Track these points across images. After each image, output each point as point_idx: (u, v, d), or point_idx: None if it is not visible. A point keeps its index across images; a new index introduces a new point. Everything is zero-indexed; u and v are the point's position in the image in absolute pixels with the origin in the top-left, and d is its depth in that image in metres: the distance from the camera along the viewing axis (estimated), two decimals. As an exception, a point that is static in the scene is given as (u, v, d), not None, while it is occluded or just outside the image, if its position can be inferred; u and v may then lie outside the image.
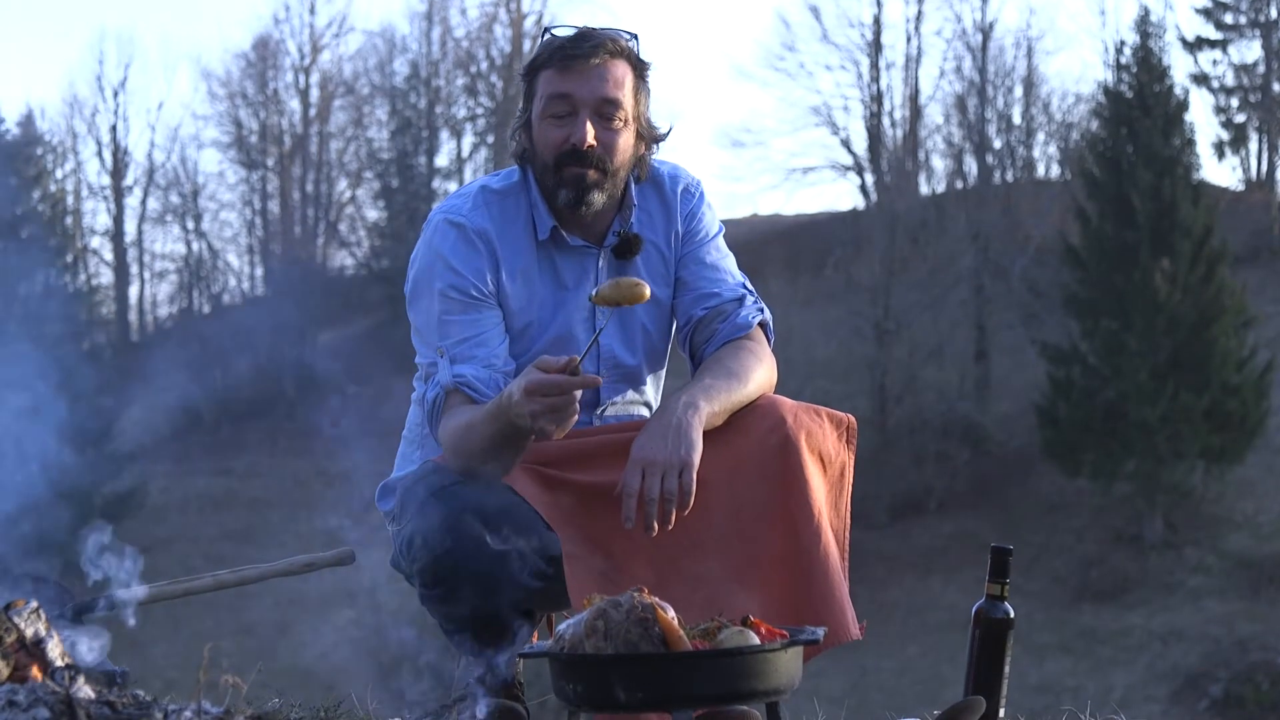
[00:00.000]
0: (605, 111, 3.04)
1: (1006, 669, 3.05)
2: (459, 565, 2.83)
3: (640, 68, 3.10)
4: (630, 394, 3.21)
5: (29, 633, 2.59)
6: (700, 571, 2.94)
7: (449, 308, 3.03)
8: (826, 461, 3.03)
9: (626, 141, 3.08)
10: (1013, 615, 3.06)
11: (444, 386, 3.00)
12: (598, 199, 3.07)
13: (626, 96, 3.06)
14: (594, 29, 3.09)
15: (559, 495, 2.96)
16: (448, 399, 3.00)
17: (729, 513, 2.96)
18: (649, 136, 3.15)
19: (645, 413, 3.25)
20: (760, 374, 3.08)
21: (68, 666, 2.54)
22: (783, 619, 2.86)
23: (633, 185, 3.16)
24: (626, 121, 3.07)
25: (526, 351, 3.09)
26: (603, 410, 3.18)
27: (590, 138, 3.03)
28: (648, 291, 2.80)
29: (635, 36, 3.11)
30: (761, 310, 3.23)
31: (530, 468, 2.99)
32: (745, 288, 3.25)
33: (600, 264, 3.15)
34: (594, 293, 2.83)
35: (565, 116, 3.04)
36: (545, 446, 2.98)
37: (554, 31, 3.09)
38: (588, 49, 3.02)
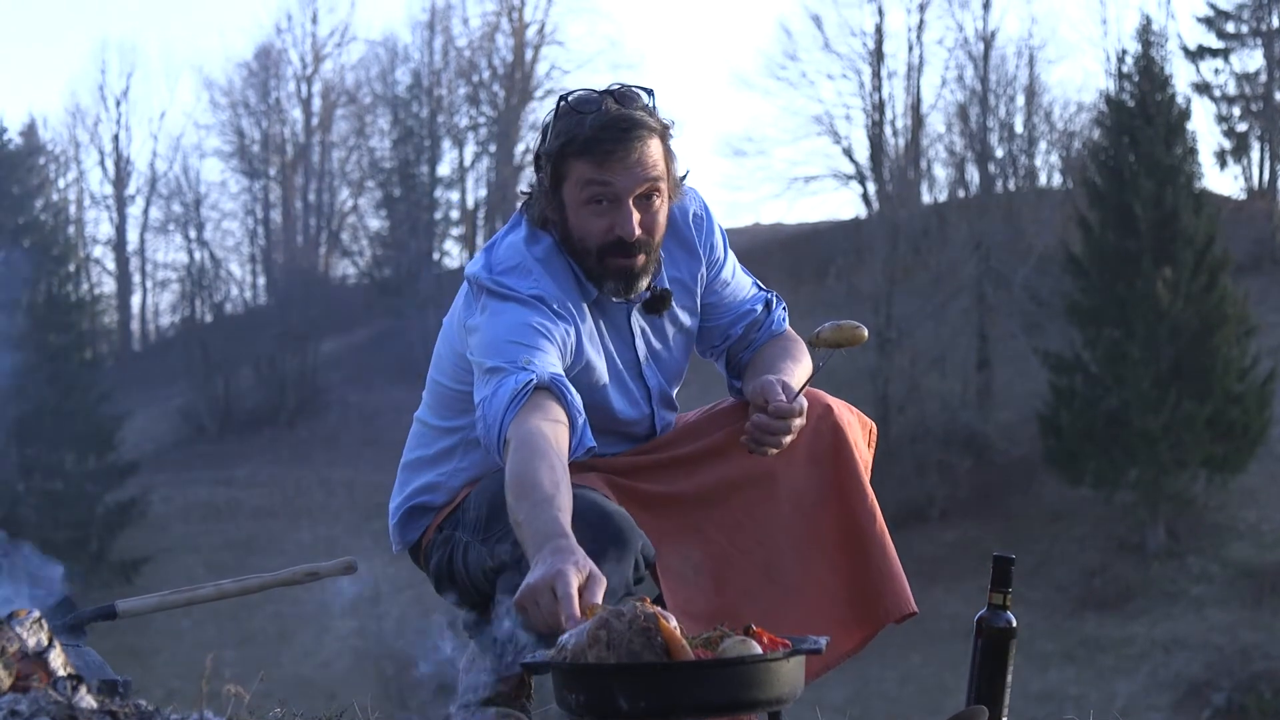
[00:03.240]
0: (646, 193, 2.99)
1: (1009, 678, 3.06)
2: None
3: (667, 134, 3.04)
4: (671, 416, 3.29)
5: (31, 642, 2.59)
6: (774, 561, 3.08)
7: (534, 339, 2.90)
8: (859, 454, 3.17)
9: (664, 213, 3.06)
10: (1015, 624, 3.06)
11: (539, 380, 2.81)
12: (644, 283, 3.07)
13: (662, 172, 3.01)
14: (616, 101, 2.98)
15: (639, 506, 3.03)
16: (535, 393, 2.81)
17: (792, 500, 3.10)
18: (676, 193, 3.11)
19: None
20: (806, 362, 3.24)
21: (70, 676, 2.54)
22: (848, 599, 3.08)
23: None
24: (663, 195, 3.03)
25: (599, 406, 3.07)
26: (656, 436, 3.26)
27: (637, 228, 2.98)
28: (865, 333, 3.06)
29: (652, 93, 3.05)
30: (784, 310, 3.35)
31: (608, 478, 3.06)
32: (759, 286, 3.35)
33: (633, 317, 3.15)
34: (815, 335, 3.06)
35: (605, 204, 2.97)
36: (614, 461, 3.10)
37: (572, 102, 2.98)
38: (626, 141, 2.94)
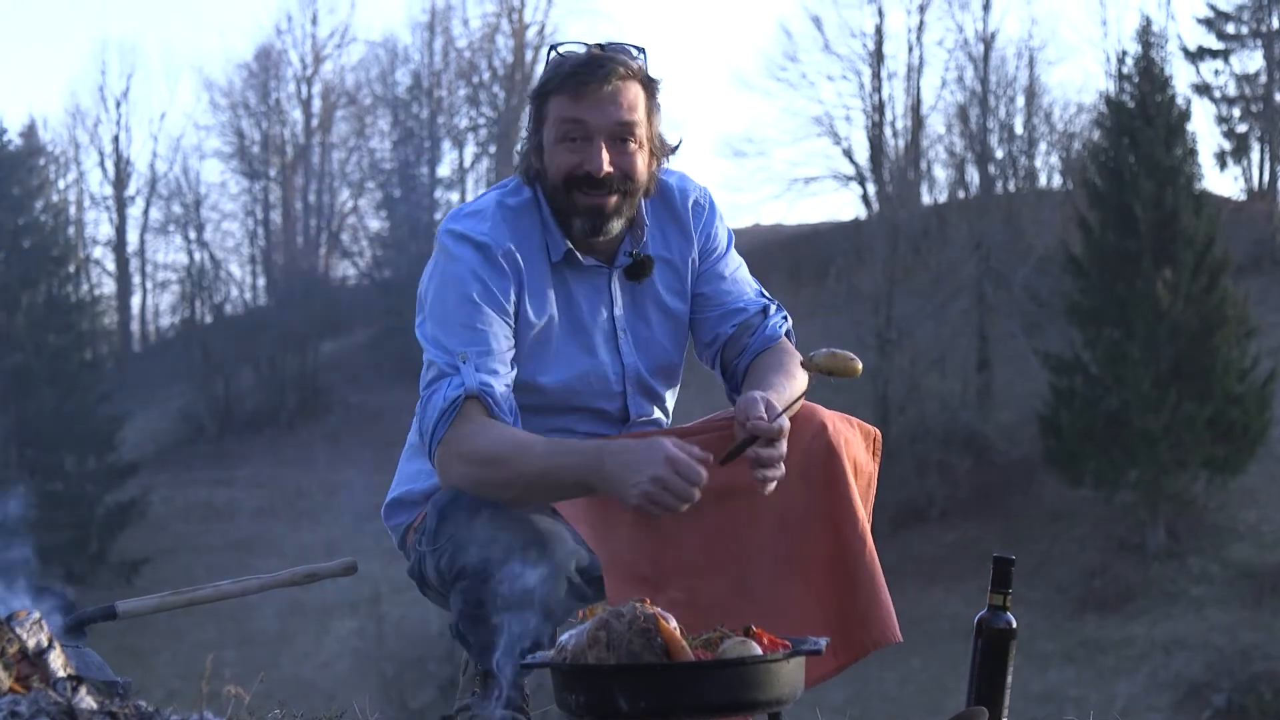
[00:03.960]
0: (620, 135, 3.00)
1: (1009, 679, 3.05)
2: (506, 584, 2.78)
3: (651, 86, 3.05)
4: (654, 411, 3.22)
5: (31, 643, 2.59)
6: (749, 578, 2.97)
7: (475, 317, 2.95)
8: (859, 470, 3.07)
9: (643, 162, 3.04)
10: (1015, 625, 3.05)
11: (468, 390, 2.90)
12: (615, 226, 3.04)
13: (640, 119, 3.01)
14: (603, 50, 3.03)
15: (600, 511, 2.95)
16: (465, 405, 2.90)
17: (776, 518, 2.98)
18: (660, 153, 3.11)
19: (665, 420, 3.26)
20: (802, 379, 3.12)
21: (70, 677, 2.54)
22: (830, 622, 2.96)
23: (643, 202, 3.13)
24: (641, 143, 3.03)
25: (545, 371, 3.06)
26: (629, 425, 3.18)
27: (606, 164, 2.98)
28: (860, 367, 2.94)
29: (643, 51, 3.07)
30: (785, 319, 3.26)
31: None
32: (763, 295, 3.28)
33: (613, 284, 3.12)
34: (809, 358, 2.93)
35: (578, 141, 2.99)
36: None
37: (560, 51, 3.04)
38: (600, 74, 2.96)
